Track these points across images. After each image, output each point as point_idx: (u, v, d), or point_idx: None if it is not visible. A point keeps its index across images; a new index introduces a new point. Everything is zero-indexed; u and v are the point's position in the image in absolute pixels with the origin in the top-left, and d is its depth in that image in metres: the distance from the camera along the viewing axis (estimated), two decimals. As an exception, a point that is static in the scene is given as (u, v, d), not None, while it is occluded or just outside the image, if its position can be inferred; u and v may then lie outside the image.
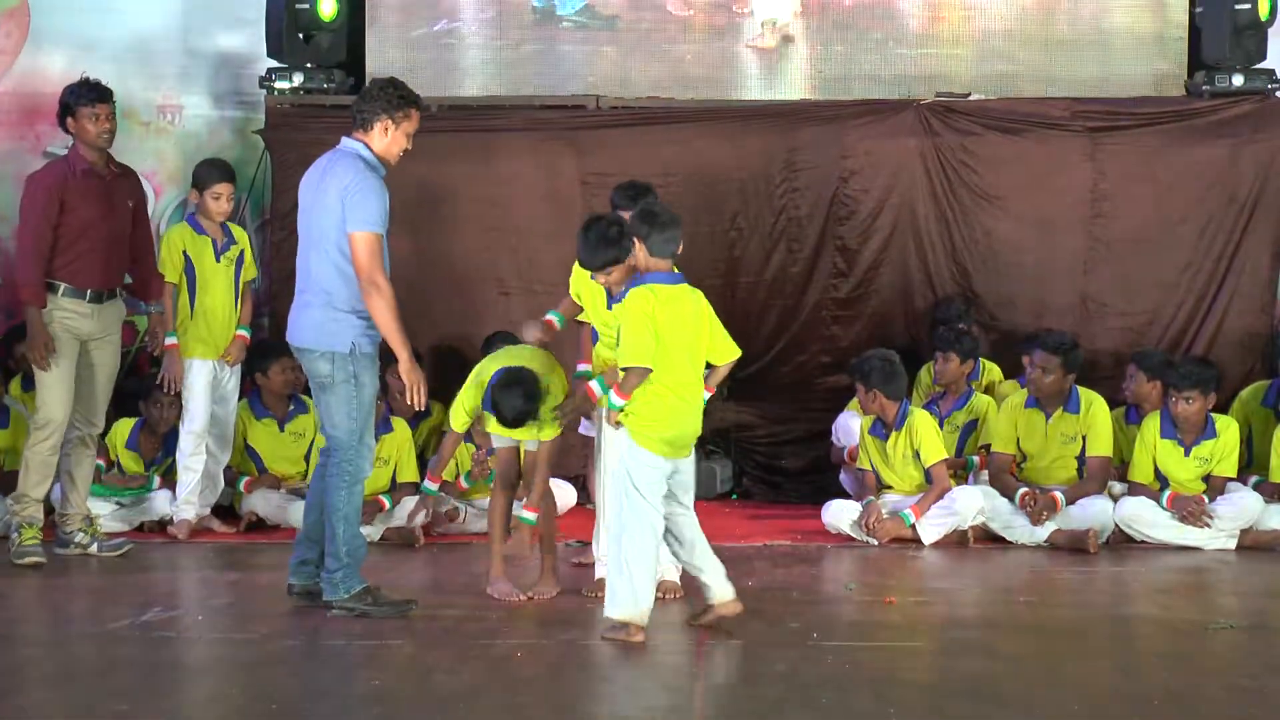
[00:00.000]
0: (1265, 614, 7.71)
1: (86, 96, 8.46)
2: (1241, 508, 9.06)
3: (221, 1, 11.03)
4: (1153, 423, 9.24)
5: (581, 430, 8.58)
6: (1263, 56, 10.34)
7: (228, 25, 11.02)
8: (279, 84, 10.50)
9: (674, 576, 7.70)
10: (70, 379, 8.48)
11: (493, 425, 7.70)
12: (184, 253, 9.29)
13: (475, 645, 6.93)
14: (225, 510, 9.68)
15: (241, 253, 9.48)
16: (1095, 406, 9.31)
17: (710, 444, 10.29)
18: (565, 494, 9.56)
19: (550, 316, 7.91)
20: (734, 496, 10.56)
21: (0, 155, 10.70)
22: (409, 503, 9.21)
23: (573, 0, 10.85)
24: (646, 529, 6.94)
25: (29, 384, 9.13)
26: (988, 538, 9.20)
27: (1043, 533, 9.09)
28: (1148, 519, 9.07)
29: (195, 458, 9.28)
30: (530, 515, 7.67)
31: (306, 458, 9.59)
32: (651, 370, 6.93)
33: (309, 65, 10.50)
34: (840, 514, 9.28)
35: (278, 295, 10.63)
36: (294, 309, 7.49)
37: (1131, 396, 9.66)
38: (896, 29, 10.81)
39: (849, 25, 10.81)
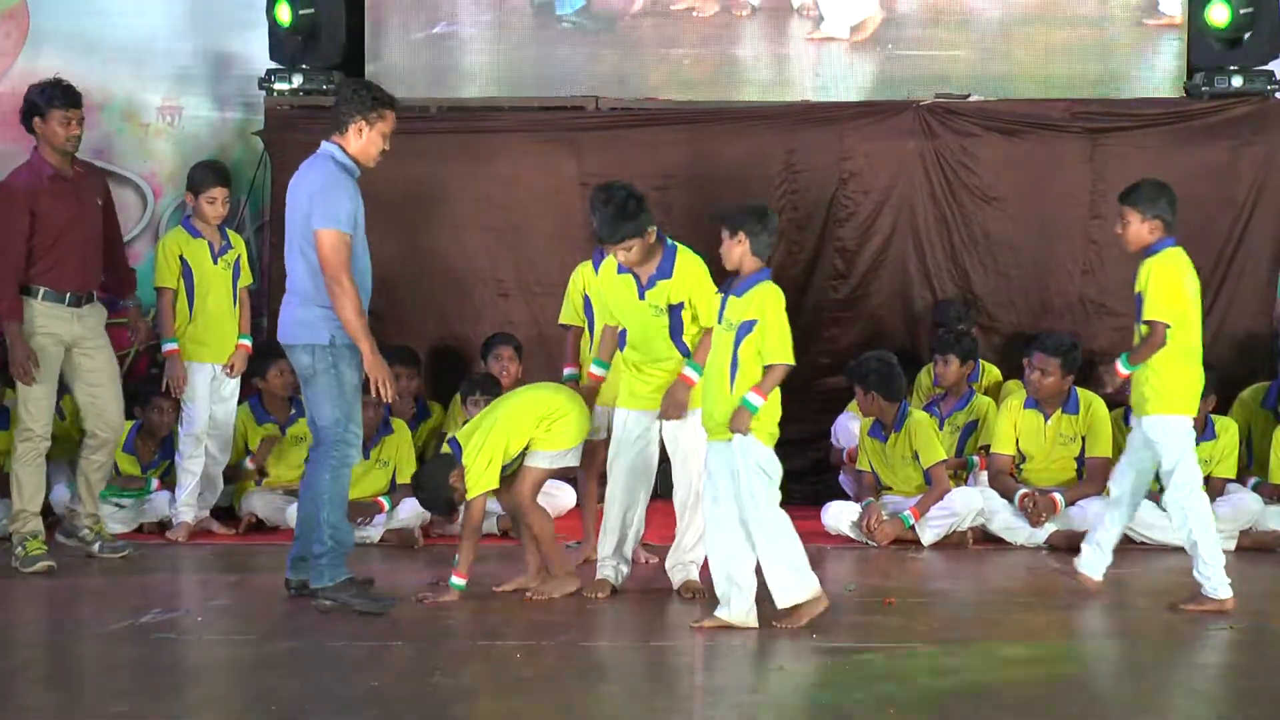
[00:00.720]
0: (1265, 615, 7.70)
1: (60, 100, 8.31)
2: (1241, 509, 9.07)
3: (221, 3, 11.04)
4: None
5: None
6: (1262, 59, 10.36)
7: (227, 27, 11.02)
8: (278, 85, 10.51)
9: (695, 575, 7.77)
10: (53, 389, 8.44)
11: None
12: (180, 257, 9.27)
13: (475, 646, 6.94)
14: (225, 512, 9.68)
15: (239, 257, 9.47)
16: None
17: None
18: (566, 495, 9.57)
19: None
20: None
21: (-1, 156, 10.71)
22: (409, 504, 9.21)
23: (571, 0, 10.85)
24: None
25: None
26: (987, 539, 9.21)
27: (1042, 534, 9.10)
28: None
29: (194, 460, 9.28)
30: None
31: (392, 482, 9.49)
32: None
33: (308, 67, 10.51)
34: (840, 515, 9.28)
35: (275, 297, 10.60)
36: (281, 308, 7.67)
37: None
38: (896, 30, 10.81)
39: (849, 26, 10.83)
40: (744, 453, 7.08)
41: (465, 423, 9.40)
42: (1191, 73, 10.57)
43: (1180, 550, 8.95)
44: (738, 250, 7.16)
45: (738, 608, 7.17)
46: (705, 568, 7.73)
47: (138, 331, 8.96)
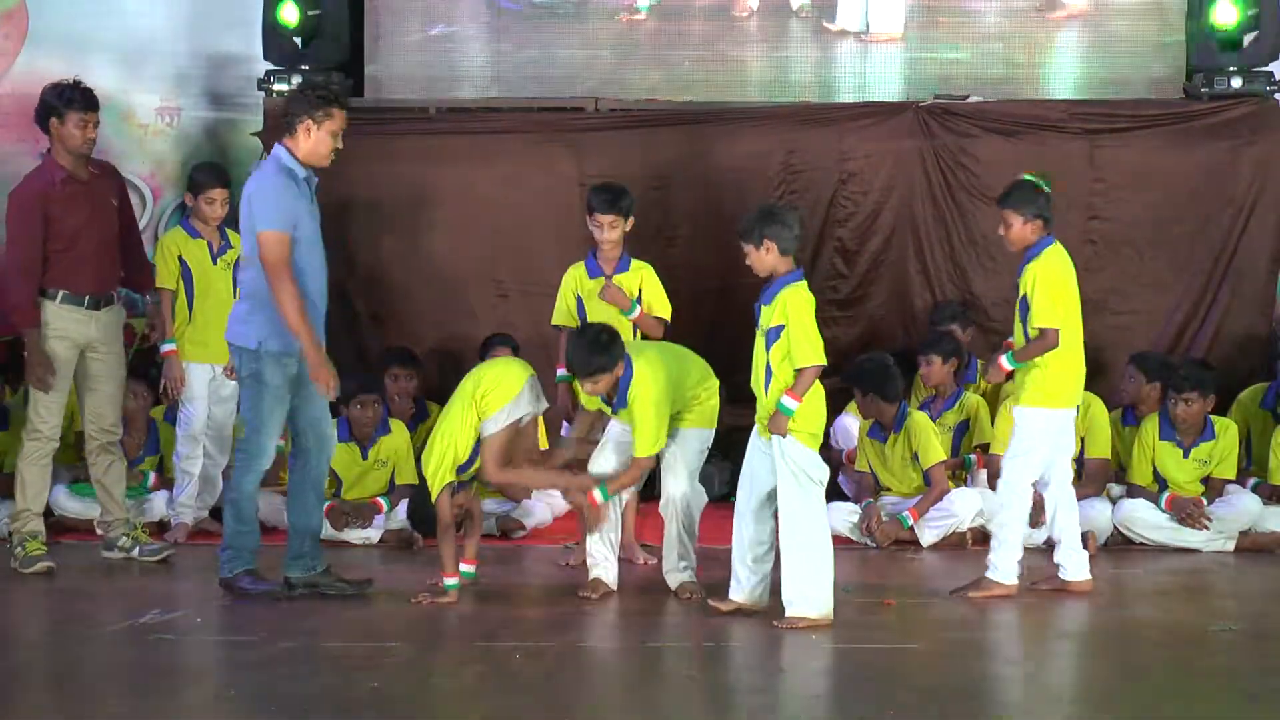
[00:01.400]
0: (1264, 616, 7.71)
1: (79, 102, 8.32)
2: (1240, 510, 9.06)
3: (220, 4, 11.04)
4: (1151, 424, 9.25)
5: (565, 434, 8.60)
6: (1262, 60, 10.36)
7: (226, 27, 11.03)
8: (277, 86, 10.50)
9: (692, 577, 7.80)
10: (65, 393, 8.44)
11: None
12: (179, 258, 9.27)
13: (475, 646, 6.94)
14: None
15: (238, 258, 9.46)
16: (1094, 408, 9.30)
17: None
18: (565, 496, 9.58)
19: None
20: (733, 499, 10.52)
21: (-1, 156, 10.74)
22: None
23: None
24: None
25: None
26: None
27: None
28: (1146, 521, 9.07)
29: (192, 461, 9.28)
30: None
31: (391, 483, 9.47)
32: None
33: (307, 68, 10.51)
34: (839, 516, 9.25)
35: (275, 297, 10.63)
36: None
37: (1129, 398, 9.66)
38: (895, 31, 10.82)
39: (849, 28, 10.83)
40: (784, 454, 7.18)
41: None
42: (1191, 73, 10.57)
43: (1180, 550, 9.01)
44: (769, 258, 7.24)
45: (748, 590, 7.32)
46: (701, 569, 7.76)
47: (155, 329, 8.98)
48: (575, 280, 8.52)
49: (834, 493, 9.78)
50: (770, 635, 7.04)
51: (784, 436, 7.16)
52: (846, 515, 9.25)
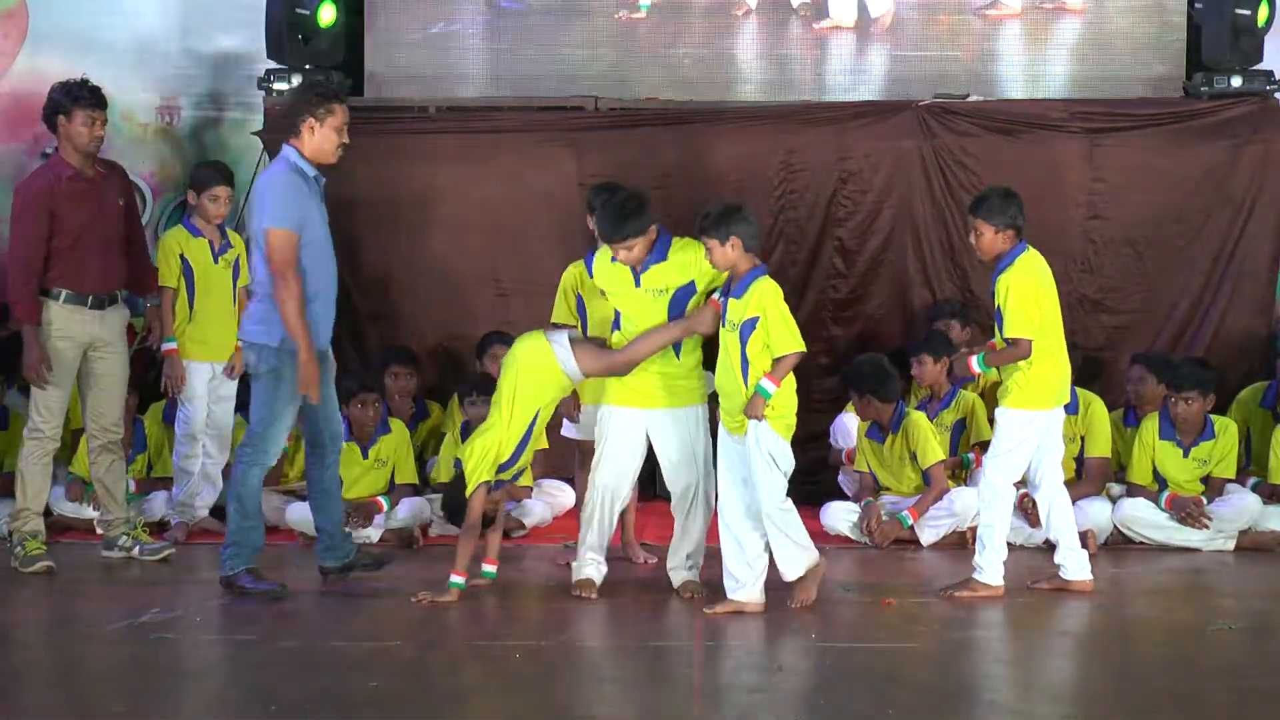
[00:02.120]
0: (1264, 615, 7.71)
1: (87, 100, 8.32)
2: (1240, 509, 9.06)
3: (220, 3, 11.04)
4: (1151, 424, 9.25)
5: (564, 433, 8.60)
6: (1260, 58, 10.35)
7: (226, 26, 11.02)
8: (278, 85, 10.50)
9: (695, 576, 7.81)
10: (67, 393, 8.44)
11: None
12: (181, 256, 9.27)
13: (474, 646, 6.94)
14: (224, 511, 9.65)
15: (239, 257, 9.47)
16: (1094, 408, 9.31)
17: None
18: (566, 496, 9.58)
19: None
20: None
21: (-2, 156, 10.74)
22: (408, 504, 9.21)
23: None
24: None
25: (26, 391, 9.13)
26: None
27: (1041, 534, 9.09)
28: (1146, 520, 9.07)
29: (191, 460, 9.27)
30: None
31: (391, 482, 9.45)
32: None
33: (308, 67, 10.51)
34: (839, 515, 9.28)
35: (276, 297, 10.63)
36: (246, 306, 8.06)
37: (1135, 397, 9.66)
38: (895, 30, 10.82)
39: (848, 27, 10.83)
40: (758, 440, 7.28)
41: (464, 423, 9.47)
42: (1191, 73, 10.57)
43: (1180, 550, 9.00)
44: (733, 254, 7.33)
45: (748, 589, 7.38)
46: (704, 569, 7.77)
47: (155, 333, 8.98)
48: (575, 279, 8.53)
49: (834, 493, 9.81)
50: (771, 635, 7.05)
51: (760, 420, 7.24)
52: (846, 515, 9.25)
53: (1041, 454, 7.87)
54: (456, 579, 7.64)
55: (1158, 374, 9.54)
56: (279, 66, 10.51)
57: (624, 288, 7.68)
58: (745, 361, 7.30)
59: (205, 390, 9.27)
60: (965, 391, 9.72)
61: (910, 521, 9.11)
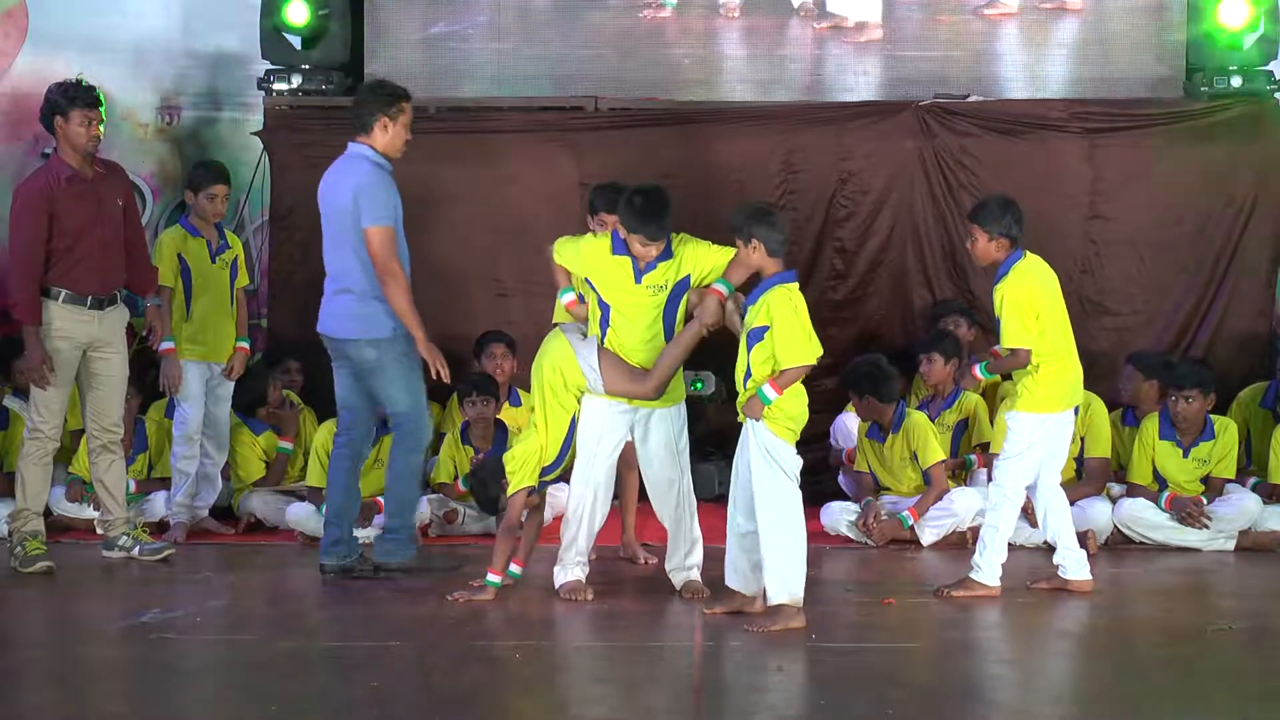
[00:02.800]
0: (1264, 615, 7.71)
1: (83, 99, 8.29)
2: (1240, 509, 9.07)
3: (220, 3, 11.04)
4: (1151, 424, 9.25)
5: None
6: (1262, 59, 10.36)
7: (226, 27, 11.02)
8: (277, 85, 10.50)
9: (696, 577, 7.79)
10: (67, 393, 8.43)
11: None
12: (179, 255, 9.27)
13: (474, 647, 6.93)
14: (224, 512, 9.68)
15: (236, 258, 9.46)
16: (1094, 408, 9.31)
17: (707, 446, 10.28)
18: (566, 497, 9.55)
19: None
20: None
21: (-2, 156, 10.73)
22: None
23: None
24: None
25: (22, 393, 9.13)
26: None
27: (1041, 534, 9.09)
28: (1146, 520, 9.08)
29: (188, 460, 9.27)
30: None
31: None
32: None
33: (307, 67, 10.51)
34: (839, 515, 9.29)
35: (277, 296, 10.64)
36: (326, 304, 8.12)
37: (1128, 397, 9.67)
38: (895, 30, 10.82)
39: (848, 27, 10.83)
40: (757, 439, 7.21)
41: (464, 423, 9.46)
42: (1191, 73, 10.57)
43: (1180, 550, 9.01)
44: (755, 256, 7.24)
45: (754, 580, 7.33)
46: (704, 569, 7.77)
47: (155, 333, 8.97)
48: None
49: (834, 493, 9.81)
50: (770, 636, 7.03)
51: (757, 420, 7.17)
52: (846, 515, 9.26)
53: (1048, 457, 7.86)
54: (493, 578, 7.65)
55: (1147, 373, 9.55)
56: (278, 67, 10.51)
57: (622, 282, 7.65)
58: (748, 370, 7.20)
59: (201, 391, 9.27)
60: (968, 392, 9.71)
61: (910, 521, 9.11)
